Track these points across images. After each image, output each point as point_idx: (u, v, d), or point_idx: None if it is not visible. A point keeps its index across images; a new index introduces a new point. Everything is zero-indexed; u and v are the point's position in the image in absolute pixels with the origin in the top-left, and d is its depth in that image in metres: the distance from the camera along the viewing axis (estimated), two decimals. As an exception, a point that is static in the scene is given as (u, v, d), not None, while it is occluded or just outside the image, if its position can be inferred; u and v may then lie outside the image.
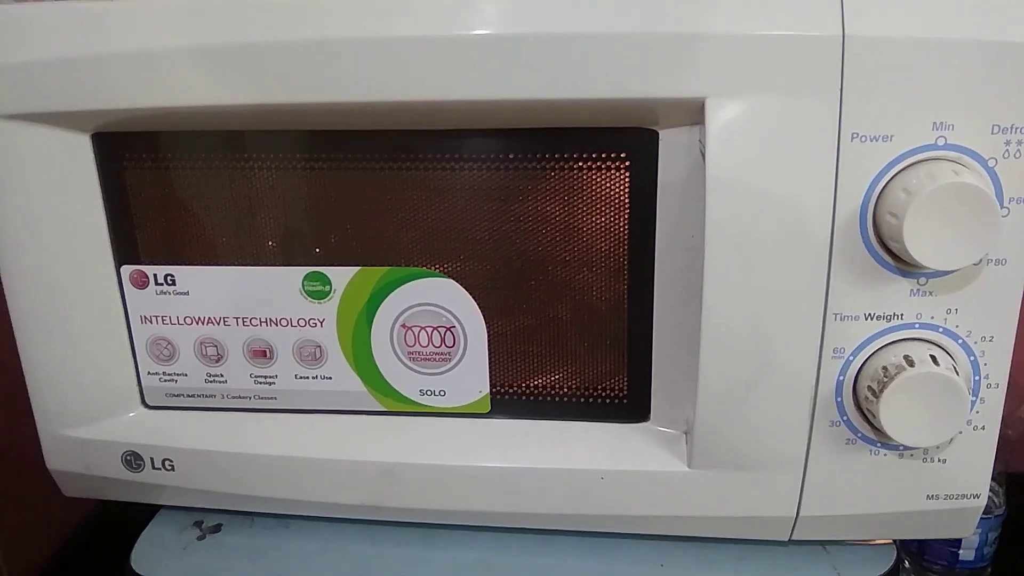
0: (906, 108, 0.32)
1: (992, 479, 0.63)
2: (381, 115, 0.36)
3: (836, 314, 0.35)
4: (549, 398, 0.41)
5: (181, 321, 0.42)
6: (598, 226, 0.38)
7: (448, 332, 0.40)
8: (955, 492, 0.37)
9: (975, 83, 0.32)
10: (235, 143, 0.38)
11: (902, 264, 0.34)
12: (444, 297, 0.39)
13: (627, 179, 0.37)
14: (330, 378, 0.41)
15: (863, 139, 0.33)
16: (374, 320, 0.40)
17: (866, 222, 0.34)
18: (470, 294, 0.39)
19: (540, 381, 0.41)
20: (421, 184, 0.38)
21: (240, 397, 0.43)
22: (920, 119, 0.32)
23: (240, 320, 0.41)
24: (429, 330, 0.40)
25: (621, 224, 0.37)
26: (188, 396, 0.43)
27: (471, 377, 0.41)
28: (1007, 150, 0.33)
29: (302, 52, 0.35)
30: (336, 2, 0.35)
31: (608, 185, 0.37)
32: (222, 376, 0.42)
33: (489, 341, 0.40)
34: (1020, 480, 0.64)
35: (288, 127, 0.38)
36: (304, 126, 0.38)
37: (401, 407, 0.42)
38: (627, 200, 0.37)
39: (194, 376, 0.42)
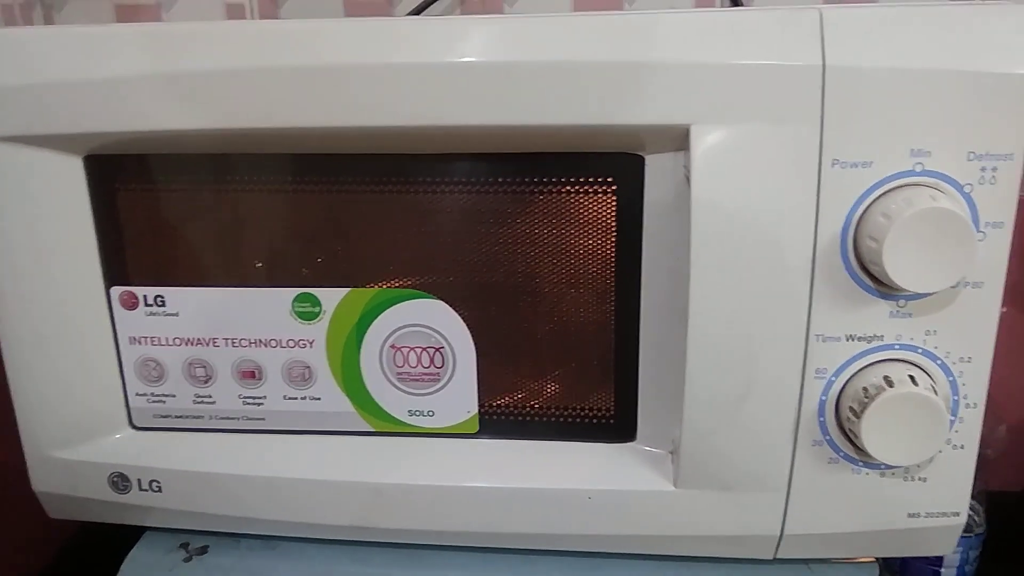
0: (885, 135, 0.33)
1: (972, 498, 0.64)
2: (372, 139, 0.37)
3: (818, 335, 0.36)
4: (537, 418, 0.41)
5: (170, 342, 0.42)
6: (585, 248, 0.38)
7: (437, 353, 0.40)
8: (935, 510, 0.38)
9: (952, 111, 0.33)
10: (226, 166, 0.39)
11: (882, 287, 0.35)
12: (433, 318, 0.40)
13: (614, 203, 0.37)
14: (319, 399, 0.42)
15: (843, 165, 0.33)
16: (363, 341, 0.40)
17: (847, 246, 0.34)
18: (459, 315, 0.40)
19: (528, 401, 0.41)
20: (411, 207, 0.38)
21: (228, 418, 0.43)
22: (898, 146, 0.33)
23: (229, 341, 0.41)
24: (418, 351, 0.40)
25: (608, 247, 0.38)
26: (176, 417, 0.43)
27: (459, 397, 0.41)
28: (983, 176, 0.34)
29: (291, 78, 0.35)
30: (326, 28, 0.35)
31: (595, 208, 0.38)
32: (210, 397, 0.42)
33: (478, 362, 0.40)
34: (1000, 499, 0.64)
35: (278, 151, 0.38)
36: (294, 150, 0.38)
37: (390, 428, 0.42)
38: (614, 223, 0.38)
39: (182, 397, 0.42)
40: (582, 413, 0.41)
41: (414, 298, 0.40)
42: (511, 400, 0.41)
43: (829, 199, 0.34)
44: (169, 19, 0.67)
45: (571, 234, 0.38)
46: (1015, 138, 0.33)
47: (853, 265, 0.35)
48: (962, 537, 0.63)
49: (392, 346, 0.40)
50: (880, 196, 0.34)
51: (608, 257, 0.38)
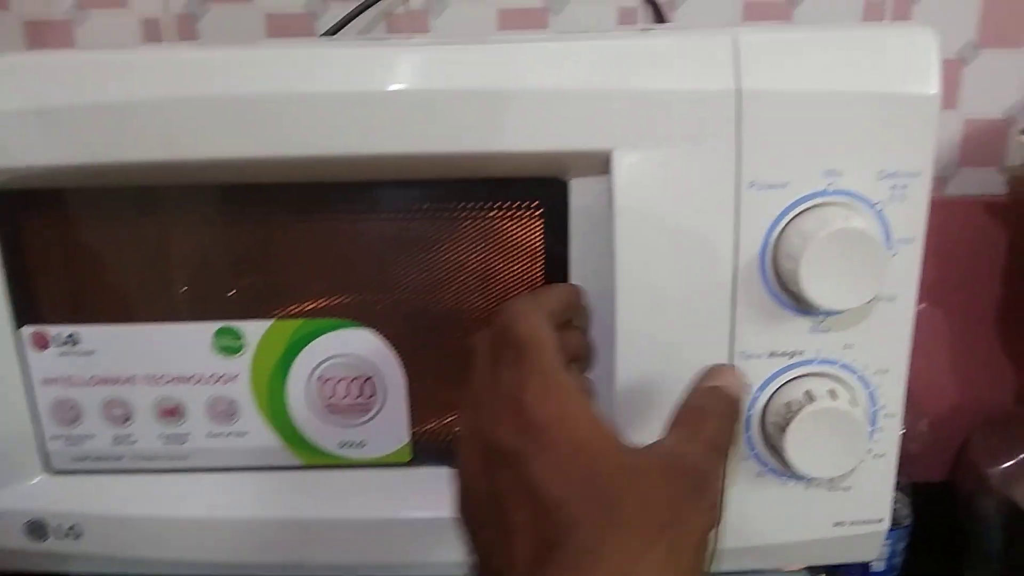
0: (799, 156, 0.34)
1: (898, 491, 0.66)
2: (292, 169, 0.36)
3: (741, 352, 0.36)
4: (470, 444, 0.41)
5: (86, 382, 0.40)
6: (513, 273, 0.38)
7: (367, 382, 0.40)
8: (860, 518, 0.39)
9: (862, 131, 0.34)
10: (141, 198, 0.38)
11: (801, 304, 0.35)
12: (361, 347, 0.39)
13: (540, 226, 0.37)
14: (245, 434, 0.41)
15: (760, 187, 0.34)
16: (289, 373, 0.40)
17: (766, 265, 0.35)
18: (387, 344, 0.39)
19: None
20: (336, 236, 0.38)
21: (150, 458, 0.41)
22: (812, 166, 0.34)
23: (148, 379, 0.40)
24: (347, 381, 0.40)
25: (536, 271, 0.38)
26: (95, 459, 0.41)
27: (391, 427, 0.40)
28: (893, 193, 0.35)
29: (210, 108, 0.34)
30: (246, 57, 0.35)
31: (521, 233, 0.38)
32: (130, 437, 0.41)
33: (408, 390, 0.40)
34: (924, 490, 0.67)
35: (196, 181, 0.37)
36: (213, 180, 0.37)
37: (320, 461, 0.41)
38: (541, 247, 0.38)
39: (101, 438, 0.41)
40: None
41: (341, 328, 0.39)
42: (444, 427, 0.41)
43: (748, 220, 0.34)
44: (81, 35, 0.64)
45: (498, 259, 0.38)
46: (923, 156, 0.34)
47: (773, 284, 0.35)
48: (891, 530, 0.66)
49: (320, 378, 0.40)
50: (796, 216, 0.34)
51: (536, 281, 0.38)
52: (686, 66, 0.34)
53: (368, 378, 0.40)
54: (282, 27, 0.63)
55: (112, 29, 0.64)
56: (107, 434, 0.41)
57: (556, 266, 0.38)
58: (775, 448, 0.37)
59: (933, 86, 0.34)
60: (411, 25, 0.63)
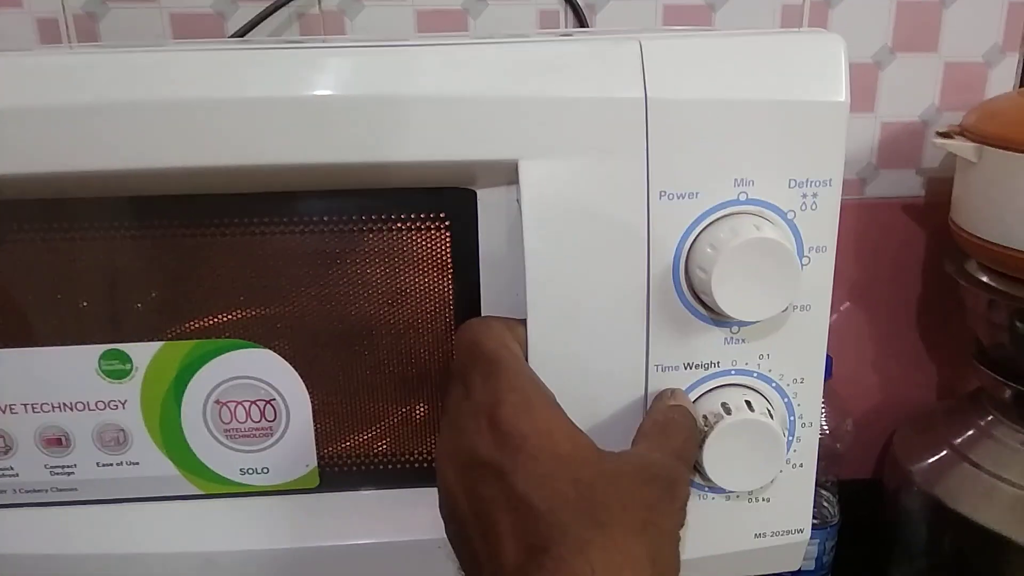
0: (709, 165, 0.33)
1: (826, 489, 0.67)
2: (182, 180, 0.33)
3: (657, 365, 0.35)
4: (381, 466, 0.39)
5: None
6: (421, 288, 0.37)
7: (268, 405, 0.38)
8: (780, 529, 0.39)
9: (772, 140, 0.33)
10: (15, 210, 0.35)
11: (715, 315, 0.35)
12: (261, 369, 0.37)
13: (448, 239, 0.36)
14: (137, 463, 0.38)
15: (670, 196, 0.33)
16: (183, 398, 0.37)
17: (679, 276, 0.34)
18: (290, 364, 0.37)
19: (370, 449, 0.39)
20: (231, 250, 0.36)
21: (35, 491, 0.38)
22: (722, 176, 0.33)
23: (29, 407, 0.37)
24: (247, 405, 0.38)
25: (445, 285, 0.37)
26: None
27: (296, 451, 0.38)
28: (804, 203, 0.34)
29: (85, 116, 0.32)
30: (137, 63, 0.32)
31: (429, 246, 0.36)
32: (12, 469, 0.38)
33: (313, 412, 0.38)
34: (851, 487, 0.68)
35: (74, 195, 0.34)
36: (93, 193, 0.34)
37: (220, 489, 0.39)
38: (450, 261, 0.36)
39: None
40: (429, 458, 0.39)
41: (238, 348, 0.37)
42: (352, 450, 0.39)
43: (659, 230, 0.34)
44: (-26, 36, 0.60)
45: (405, 274, 0.36)
46: (833, 164, 0.34)
47: (686, 294, 0.34)
48: (819, 529, 0.66)
49: (217, 401, 0.37)
50: (707, 226, 0.34)
51: (445, 296, 0.37)
52: (592, 73, 0.32)
53: (269, 400, 0.38)
54: (188, 27, 0.60)
55: (6, 29, 0.60)
56: (-15, 467, 0.38)
57: (466, 280, 0.36)
58: (694, 463, 0.36)
59: (841, 93, 0.33)
60: (325, 26, 0.60)
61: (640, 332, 0.35)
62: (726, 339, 0.35)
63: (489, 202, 0.35)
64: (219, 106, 0.32)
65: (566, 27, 0.61)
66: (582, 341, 0.34)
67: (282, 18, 0.60)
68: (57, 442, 0.38)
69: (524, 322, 0.34)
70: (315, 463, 0.39)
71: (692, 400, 0.36)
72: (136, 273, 0.36)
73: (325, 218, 0.35)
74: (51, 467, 0.38)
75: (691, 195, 0.33)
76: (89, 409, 0.37)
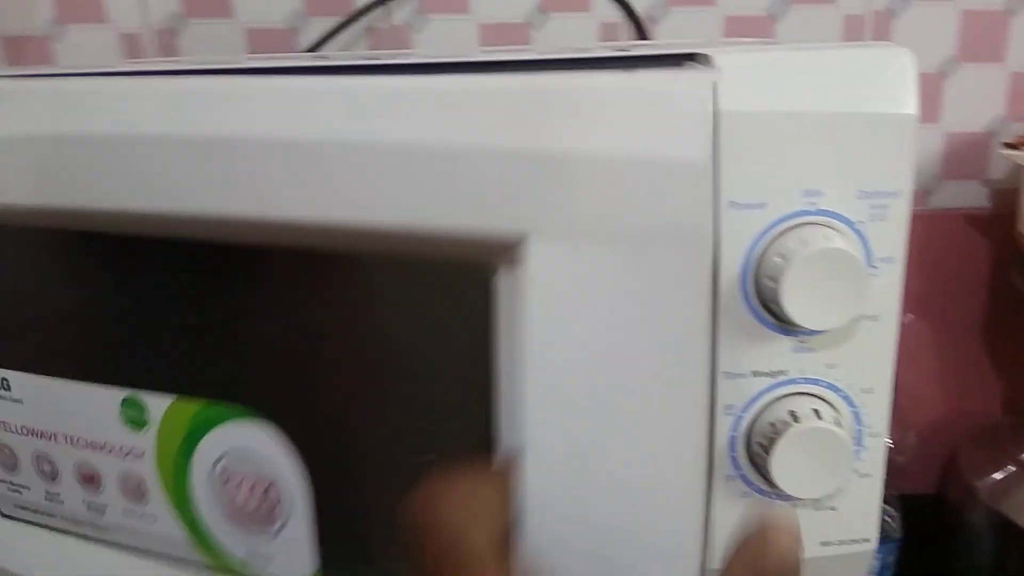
0: (778, 177, 0.34)
1: (888, 504, 0.66)
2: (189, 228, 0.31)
3: (725, 372, 0.36)
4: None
5: (17, 430, 0.37)
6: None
7: (271, 488, 0.34)
8: (847, 537, 0.39)
9: (841, 152, 0.34)
10: (61, 241, 0.34)
11: (783, 324, 0.35)
12: (260, 447, 0.34)
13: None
14: (155, 518, 0.36)
15: (739, 207, 0.34)
16: (192, 460, 0.35)
17: (747, 285, 0.35)
18: (292, 445, 0.33)
19: (384, 555, 0.33)
20: (241, 310, 0.33)
21: (77, 521, 0.38)
22: (792, 187, 0.34)
23: (68, 439, 0.37)
24: (249, 482, 0.34)
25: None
26: (33, 511, 0.38)
27: (296, 549, 0.34)
28: (873, 213, 0.35)
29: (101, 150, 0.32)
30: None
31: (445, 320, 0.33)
32: (59, 496, 0.38)
33: (316, 504, 0.33)
34: (914, 503, 0.67)
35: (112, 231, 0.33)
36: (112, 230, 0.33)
37: (226, 567, 0.36)
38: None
39: (35, 491, 0.38)
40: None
41: (236, 418, 0.33)
42: (362, 558, 0.34)
43: (728, 240, 0.34)
44: (61, 51, 0.64)
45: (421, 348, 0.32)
46: (902, 176, 0.34)
47: (755, 304, 0.35)
48: (881, 544, 0.66)
49: (223, 471, 0.35)
50: (776, 237, 0.34)
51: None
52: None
53: (271, 483, 0.34)
54: (263, 42, 0.63)
55: (90, 44, 0.64)
56: (40, 488, 0.38)
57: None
58: (761, 469, 0.37)
59: (910, 106, 0.33)
60: (393, 41, 0.62)
61: (706, 338, 0.35)
62: (794, 348, 0.36)
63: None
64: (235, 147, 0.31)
65: (626, 36, 0.61)
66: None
67: (353, 33, 0.62)
68: (90, 479, 0.37)
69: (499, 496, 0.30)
70: (317, 566, 0.35)
71: (761, 409, 0.36)
72: (159, 319, 0.34)
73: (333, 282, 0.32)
74: (87, 503, 0.38)
75: (760, 206, 0.34)
76: (114, 453, 0.36)
